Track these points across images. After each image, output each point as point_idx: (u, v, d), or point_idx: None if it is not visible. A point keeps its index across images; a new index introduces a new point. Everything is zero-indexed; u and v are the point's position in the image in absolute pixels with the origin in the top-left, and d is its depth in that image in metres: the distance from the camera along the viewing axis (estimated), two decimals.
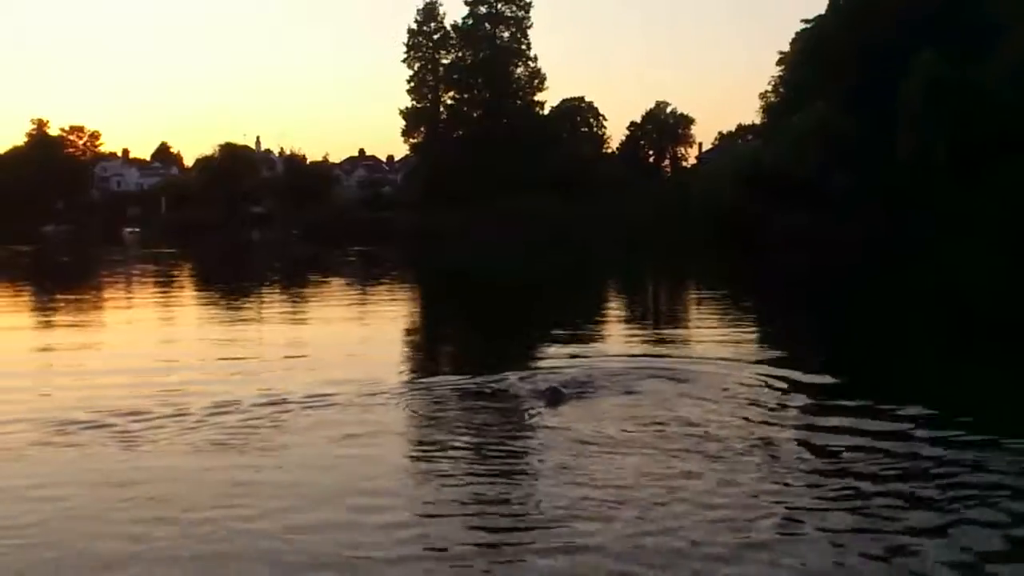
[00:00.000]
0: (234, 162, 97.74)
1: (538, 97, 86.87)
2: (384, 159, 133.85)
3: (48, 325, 19.51)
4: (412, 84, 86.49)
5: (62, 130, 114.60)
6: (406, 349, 16.28)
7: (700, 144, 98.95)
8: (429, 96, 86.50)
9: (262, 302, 24.69)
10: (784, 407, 9.63)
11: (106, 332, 18.76)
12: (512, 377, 11.16)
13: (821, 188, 48.33)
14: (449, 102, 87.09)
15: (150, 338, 17.09)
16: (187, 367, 12.95)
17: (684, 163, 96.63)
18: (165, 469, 7.56)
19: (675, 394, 10.21)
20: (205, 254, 53.74)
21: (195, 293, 29.86)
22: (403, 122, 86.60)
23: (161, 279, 34.34)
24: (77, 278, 35.77)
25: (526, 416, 9.28)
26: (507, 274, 36.12)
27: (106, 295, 27.91)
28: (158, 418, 9.13)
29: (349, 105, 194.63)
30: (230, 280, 33.96)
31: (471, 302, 25.13)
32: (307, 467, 7.62)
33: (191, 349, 15.25)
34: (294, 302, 24.71)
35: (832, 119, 50.85)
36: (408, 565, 5.64)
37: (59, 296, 26.28)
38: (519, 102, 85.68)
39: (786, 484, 6.99)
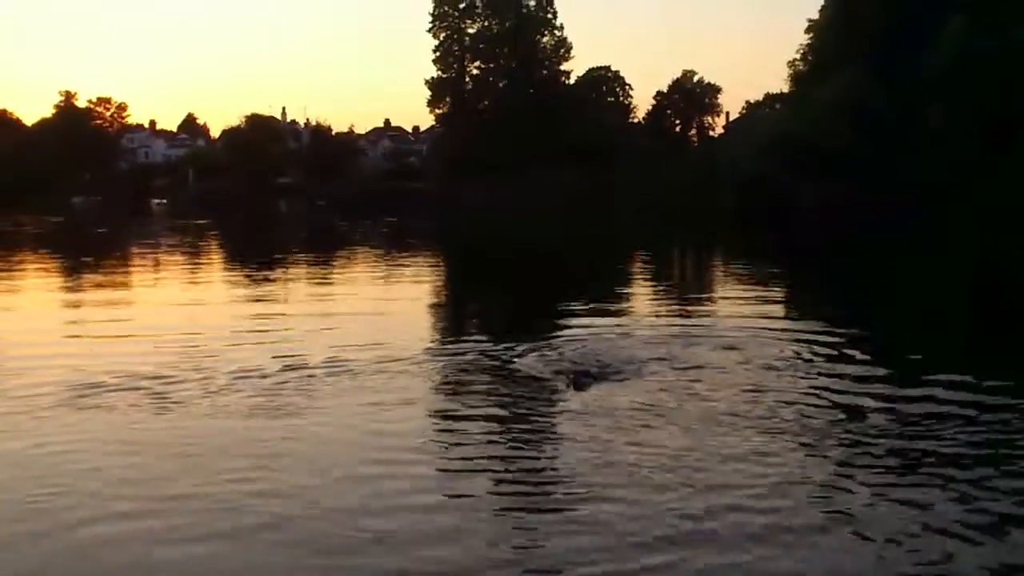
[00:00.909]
0: (260, 133, 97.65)
1: (564, 66, 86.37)
2: (410, 130, 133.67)
3: (80, 290, 19.67)
4: (438, 54, 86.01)
5: (89, 102, 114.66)
6: (433, 317, 16.34)
7: (727, 113, 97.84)
8: (455, 66, 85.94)
9: (290, 270, 24.77)
10: (829, 373, 9.55)
11: (137, 298, 18.87)
12: (543, 345, 11.09)
13: (849, 158, 47.68)
14: (475, 72, 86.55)
15: (180, 304, 17.25)
16: (216, 327, 13.09)
17: (711, 133, 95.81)
18: (193, 432, 7.63)
19: (715, 361, 10.16)
20: (233, 225, 53.93)
21: (224, 262, 30.07)
22: (428, 92, 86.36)
23: (191, 248, 34.52)
24: (112, 247, 36.03)
25: (556, 387, 9.10)
26: (535, 243, 35.97)
27: (139, 263, 28.10)
28: (187, 382, 9.22)
29: (374, 76, 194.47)
30: (259, 249, 34.09)
31: (499, 271, 25.06)
32: (333, 432, 7.66)
33: (220, 314, 15.40)
34: (322, 271, 24.78)
35: (860, 88, 50.05)
36: (431, 524, 5.67)
37: (94, 263, 26.50)
38: (545, 71, 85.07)
39: (834, 454, 6.92)
